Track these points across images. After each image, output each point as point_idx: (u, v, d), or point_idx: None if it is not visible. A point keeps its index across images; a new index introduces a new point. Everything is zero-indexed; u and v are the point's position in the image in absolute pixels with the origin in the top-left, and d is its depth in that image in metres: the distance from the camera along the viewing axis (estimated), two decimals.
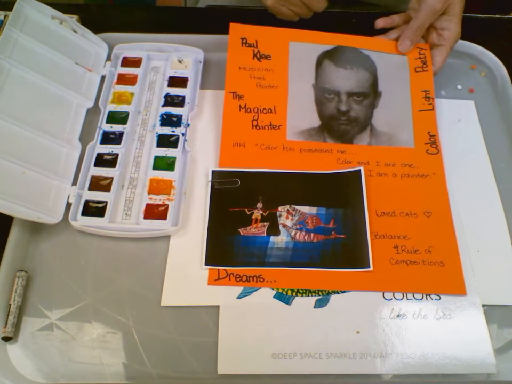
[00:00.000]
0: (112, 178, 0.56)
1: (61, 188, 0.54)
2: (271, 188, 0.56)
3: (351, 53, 0.65)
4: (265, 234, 0.54)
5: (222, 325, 0.49)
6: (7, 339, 0.47)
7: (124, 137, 0.58)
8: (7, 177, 0.51)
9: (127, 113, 0.60)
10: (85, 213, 0.53)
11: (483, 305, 0.51)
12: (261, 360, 0.47)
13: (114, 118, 0.60)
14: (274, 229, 0.54)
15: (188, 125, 0.60)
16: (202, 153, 0.60)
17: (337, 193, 0.56)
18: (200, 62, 0.66)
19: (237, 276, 0.51)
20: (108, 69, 0.64)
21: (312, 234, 0.54)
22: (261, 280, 0.51)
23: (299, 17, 0.65)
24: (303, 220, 0.55)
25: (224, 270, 0.51)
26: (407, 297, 0.51)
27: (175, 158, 0.57)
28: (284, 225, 0.54)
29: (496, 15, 0.78)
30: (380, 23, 0.66)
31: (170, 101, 0.62)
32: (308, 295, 0.51)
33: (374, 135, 0.61)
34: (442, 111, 0.64)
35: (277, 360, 0.47)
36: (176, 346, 0.48)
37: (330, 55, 0.64)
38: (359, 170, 0.57)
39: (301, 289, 0.51)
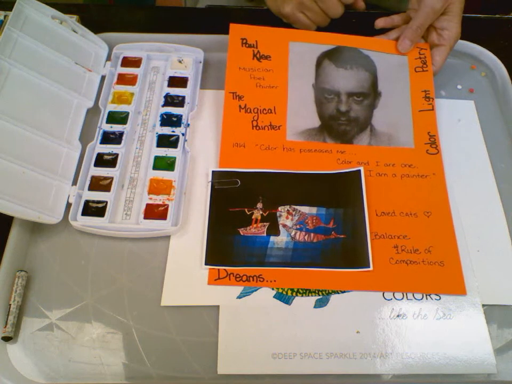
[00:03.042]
0: (112, 178, 0.56)
1: (61, 187, 0.54)
2: (271, 188, 0.56)
3: (351, 53, 0.65)
4: (265, 234, 0.54)
5: (222, 325, 0.49)
6: (7, 339, 0.47)
7: (123, 137, 0.58)
8: (7, 177, 0.51)
9: (127, 113, 0.60)
10: (85, 213, 0.53)
11: (483, 305, 0.51)
12: (261, 360, 0.47)
13: (114, 118, 0.60)
14: (274, 229, 0.54)
15: (188, 125, 0.60)
16: (202, 153, 0.60)
17: (337, 193, 0.56)
18: (200, 62, 0.66)
19: (237, 276, 0.51)
20: (108, 69, 0.64)
21: (312, 234, 0.54)
22: (261, 280, 0.51)
23: (316, 27, 0.65)
24: (303, 220, 0.55)
25: (224, 269, 0.51)
26: (407, 297, 0.51)
27: (175, 158, 0.57)
28: (284, 225, 0.54)
29: (496, 15, 0.78)
30: (380, 23, 0.66)
31: (170, 101, 0.62)
32: (308, 295, 0.51)
33: (374, 135, 0.61)
34: (442, 111, 0.64)
35: (277, 360, 0.47)
36: (176, 346, 0.48)
37: (330, 55, 0.64)
38: (359, 171, 0.57)
39: (301, 289, 0.51)
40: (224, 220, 0.54)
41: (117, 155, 0.57)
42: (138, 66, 0.65)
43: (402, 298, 0.51)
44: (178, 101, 0.62)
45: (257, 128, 0.60)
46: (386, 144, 0.61)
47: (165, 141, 0.59)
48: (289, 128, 0.61)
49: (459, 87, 0.68)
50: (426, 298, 0.51)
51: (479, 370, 0.48)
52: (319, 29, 0.65)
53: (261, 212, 0.55)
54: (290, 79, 0.63)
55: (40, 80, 0.57)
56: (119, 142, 0.58)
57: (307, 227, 0.54)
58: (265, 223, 0.54)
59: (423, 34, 0.64)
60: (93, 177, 0.56)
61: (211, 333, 0.49)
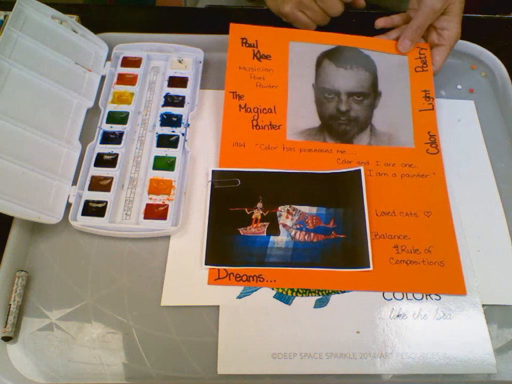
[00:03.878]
0: (112, 178, 0.56)
1: (61, 187, 0.54)
2: (271, 188, 0.56)
3: (351, 53, 0.65)
4: (265, 234, 0.54)
5: (222, 325, 0.49)
6: (7, 339, 0.47)
7: (123, 137, 0.58)
8: (7, 177, 0.51)
9: (127, 113, 0.60)
10: (85, 213, 0.53)
11: (483, 305, 0.51)
12: (261, 360, 0.47)
13: (114, 118, 0.60)
14: (274, 229, 0.54)
15: (188, 125, 0.60)
16: (202, 153, 0.60)
17: (337, 193, 0.56)
18: (200, 62, 0.66)
19: (237, 276, 0.51)
20: (108, 69, 0.64)
21: (312, 234, 0.54)
22: (261, 280, 0.51)
23: (316, 26, 0.65)
24: (303, 220, 0.55)
25: (224, 269, 0.51)
26: (407, 297, 0.51)
27: (175, 158, 0.57)
28: (284, 225, 0.54)
29: (496, 15, 0.78)
30: (380, 23, 0.66)
31: (170, 101, 0.62)
32: (308, 295, 0.51)
33: (374, 135, 0.61)
34: (442, 111, 0.64)
35: (277, 360, 0.47)
36: (176, 346, 0.48)
37: (330, 55, 0.64)
38: (359, 170, 0.57)
39: (301, 289, 0.51)
40: (224, 219, 0.54)
41: (117, 155, 0.57)
42: (138, 66, 0.65)
43: (402, 298, 0.51)
44: (178, 101, 0.62)
45: (257, 127, 0.60)
46: (386, 143, 0.61)
47: (165, 141, 0.59)
48: (289, 127, 0.61)
49: (459, 87, 0.68)
50: (426, 298, 0.51)
51: (479, 370, 0.48)
52: (319, 28, 0.65)
53: (261, 212, 0.55)
54: (290, 78, 0.63)
55: (40, 80, 0.57)
56: (119, 142, 0.58)
57: (307, 227, 0.54)
58: (265, 223, 0.54)
59: (423, 34, 0.64)
60: (93, 177, 0.56)
61: (211, 333, 0.49)
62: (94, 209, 0.54)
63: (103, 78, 0.64)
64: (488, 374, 0.48)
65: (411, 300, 0.51)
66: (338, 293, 0.51)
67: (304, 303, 0.50)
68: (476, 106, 0.66)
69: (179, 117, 0.61)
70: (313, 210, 0.55)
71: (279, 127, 0.61)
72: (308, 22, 0.64)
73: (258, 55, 0.64)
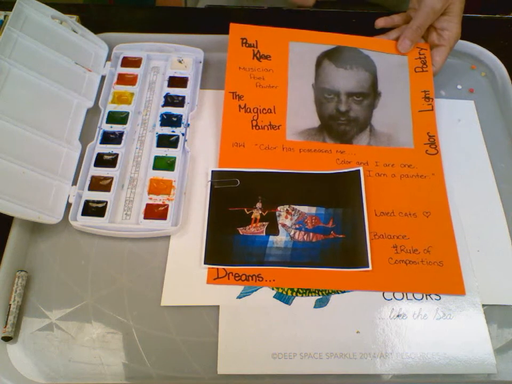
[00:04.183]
0: (112, 178, 0.56)
1: (61, 187, 0.55)
2: (271, 188, 0.56)
3: (351, 53, 0.65)
4: (264, 234, 0.54)
5: (222, 325, 0.49)
6: (7, 339, 0.48)
7: (123, 137, 0.58)
8: (7, 177, 0.51)
9: (127, 113, 0.60)
10: (85, 213, 0.53)
11: (483, 305, 0.51)
12: (261, 360, 0.47)
13: (114, 118, 0.60)
14: (273, 229, 0.54)
15: (188, 125, 0.60)
16: (202, 153, 0.60)
17: (337, 193, 0.56)
18: (200, 62, 0.66)
19: (236, 275, 0.51)
20: (108, 69, 0.64)
21: (311, 234, 0.54)
22: (260, 279, 0.51)
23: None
24: (302, 220, 0.55)
25: (223, 269, 0.51)
26: (407, 297, 0.51)
27: (175, 158, 0.57)
28: (283, 225, 0.54)
29: (496, 15, 0.78)
30: (380, 22, 0.66)
31: (170, 101, 0.62)
32: (308, 295, 0.51)
33: (374, 135, 0.61)
34: (442, 111, 0.64)
35: (277, 360, 0.47)
36: (176, 346, 0.48)
37: (330, 55, 0.64)
38: (358, 171, 0.57)
39: (301, 289, 0.51)
40: (224, 219, 0.54)
41: (117, 155, 0.57)
42: (138, 66, 0.65)
43: (402, 298, 0.51)
44: (178, 101, 0.62)
45: (257, 127, 0.60)
46: (385, 144, 0.61)
47: (165, 141, 0.59)
48: (288, 128, 0.61)
49: (459, 87, 0.68)
50: (426, 298, 0.51)
51: (479, 370, 0.48)
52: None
53: (260, 212, 0.55)
54: (290, 79, 0.63)
55: (40, 80, 0.57)
56: (119, 142, 0.58)
57: (306, 227, 0.54)
58: (264, 223, 0.54)
59: (423, 34, 0.64)
60: (93, 177, 0.56)
61: (211, 333, 0.49)
62: (94, 209, 0.54)
63: (103, 78, 0.64)
64: (488, 374, 0.48)
65: (411, 299, 0.51)
66: (338, 293, 0.51)
67: (304, 303, 0.50)
68: (476, 106, 0.66)
69: (179, 117, 0.61)
70: (313, 210, 0.55)
71: (278, 127, 0.61)
72: None
73: (258, 55, 0.64)
